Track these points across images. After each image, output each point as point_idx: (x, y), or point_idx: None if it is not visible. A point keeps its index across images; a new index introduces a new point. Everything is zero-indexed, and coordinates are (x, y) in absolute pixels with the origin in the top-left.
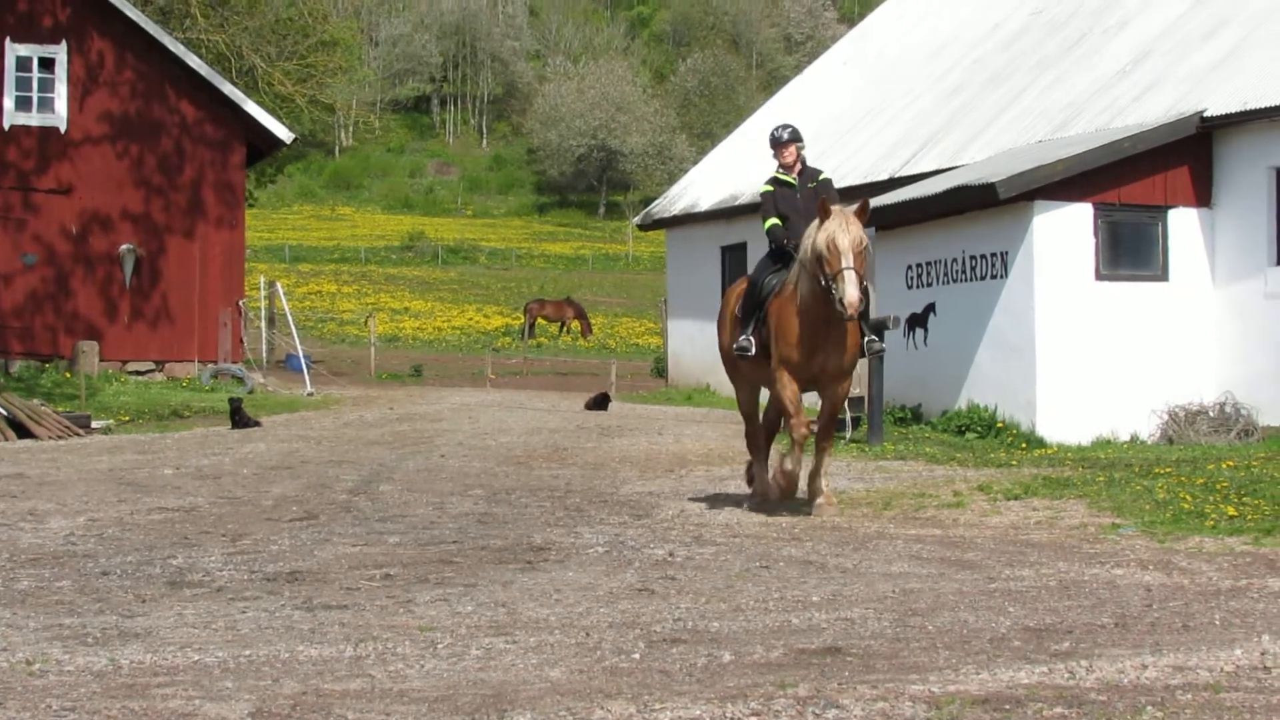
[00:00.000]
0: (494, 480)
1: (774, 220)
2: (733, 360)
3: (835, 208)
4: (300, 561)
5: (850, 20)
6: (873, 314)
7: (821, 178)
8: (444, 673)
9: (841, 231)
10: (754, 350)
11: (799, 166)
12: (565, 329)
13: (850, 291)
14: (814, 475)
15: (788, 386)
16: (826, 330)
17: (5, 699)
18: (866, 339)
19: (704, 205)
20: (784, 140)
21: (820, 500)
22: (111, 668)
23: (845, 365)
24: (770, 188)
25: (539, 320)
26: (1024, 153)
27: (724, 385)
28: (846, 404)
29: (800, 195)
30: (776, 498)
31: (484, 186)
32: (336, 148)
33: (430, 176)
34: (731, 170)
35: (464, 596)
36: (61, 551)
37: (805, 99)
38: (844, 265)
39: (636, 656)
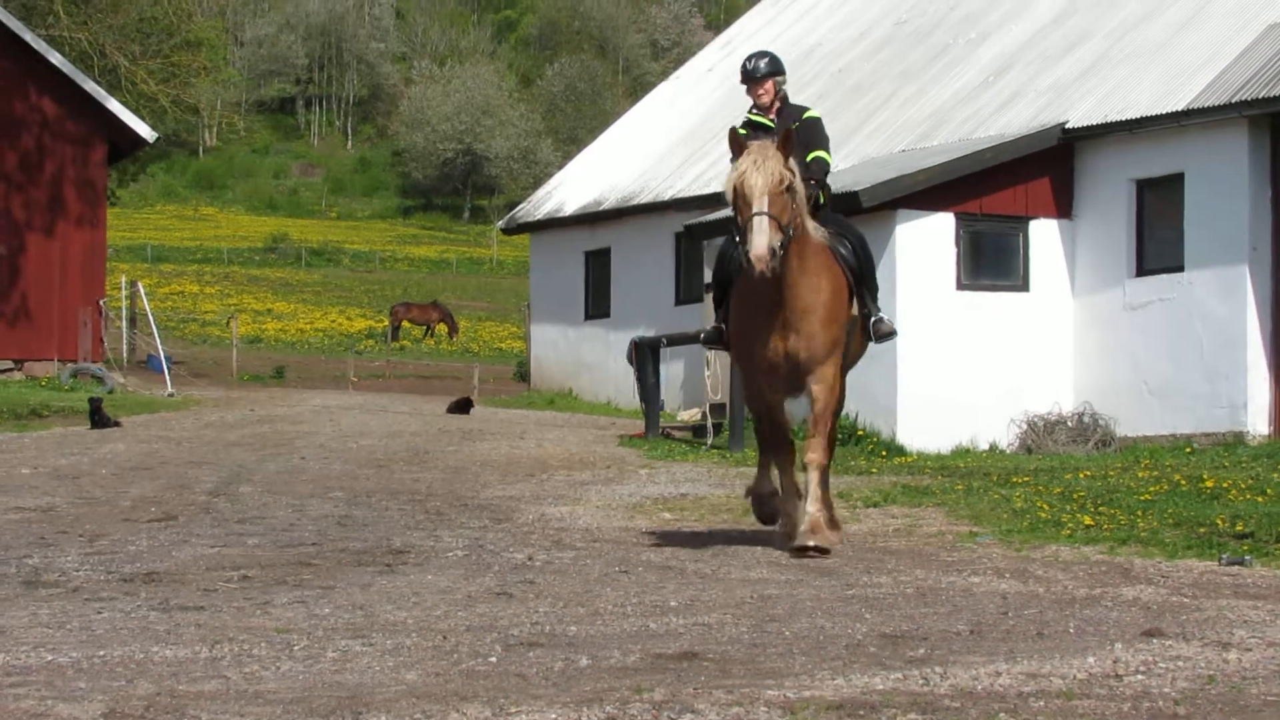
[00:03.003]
0: (354, 483)
1: None
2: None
3: (752, 142)
4: (158, 562)
5: (716, 27)
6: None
7: (807, 116)
8: (300, 674)
9: (754, 169)
10: (723, 341)
11: (778, 106)
12: (430, 332)
13: (756, 241)
14: (791, 498)
15: (757, 396)
16: (776, 306)
17: None
18: (874, 318)
19: (569, 210)
20: (758, 75)
21: (803, 528)
22: None
23: (813, 353)
24: (743, 132)
25: (404, 323)
26: (887, 162)
27: (586, 390)
28: (707, 410)
29: (798, 144)
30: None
31: (348, 189)
32: (200, 148)
33: (294, 178)
34: (597, 175)
35: (322, 599)
36: None
37: (671, 105)
38: (755, 210)
39: (493, 660)
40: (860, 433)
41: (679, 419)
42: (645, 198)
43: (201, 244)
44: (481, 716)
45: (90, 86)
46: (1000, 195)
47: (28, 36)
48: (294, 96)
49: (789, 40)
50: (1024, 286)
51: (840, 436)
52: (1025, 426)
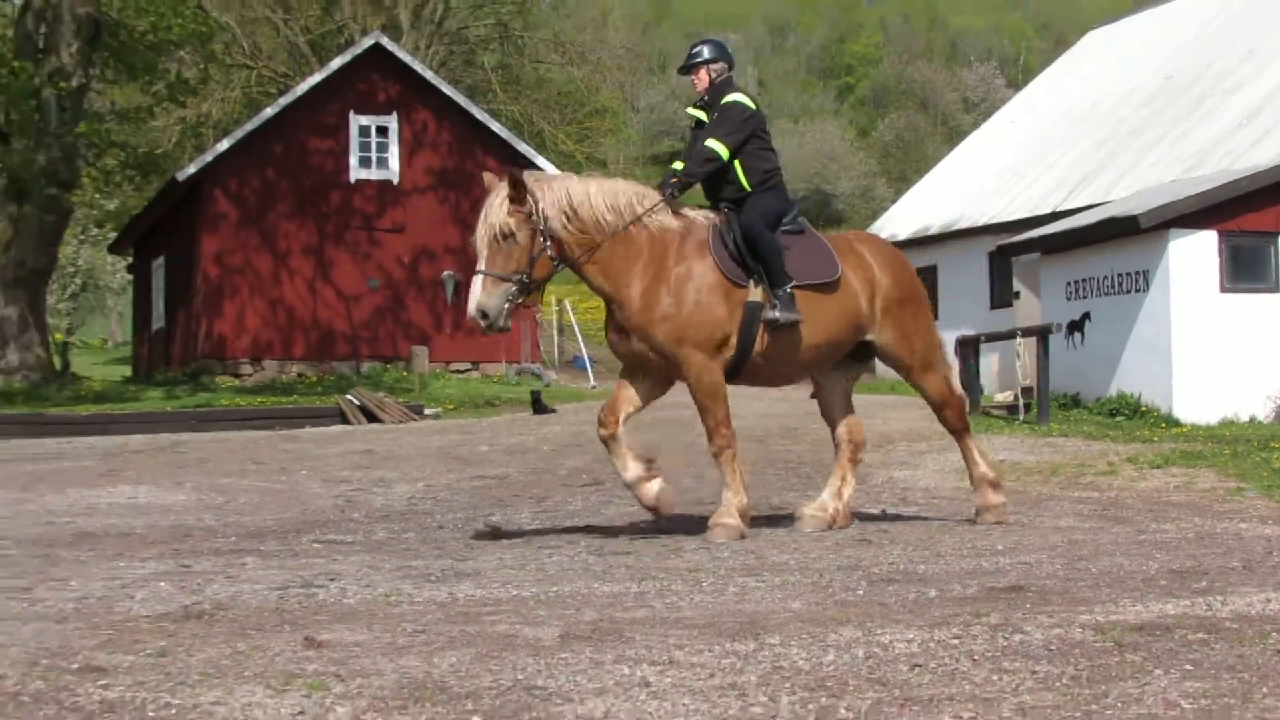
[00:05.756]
0: (756, 453)
1: (671, 168)
2: None
3: (496, 185)
4: (591, 518)
5: (1016, 86)
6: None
7: (723, 102)
8: (709, 604)
9: (481, 221)
10: None
11: (706, 94)
12: None
13: (469, 303)
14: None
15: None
16: (617, 309)
17: (372, 622)
18: (769, 310)
19: (902, 235)
20: (688, 64)
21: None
22: (450, 600)
23: (663, 355)
24: (690, 121)
25: None
26: (1160, 190)
27: None
28: (1019, 392)
29: (702, 133)
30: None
31: None
32: None
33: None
34: (923, 208)
35: (721, 545)
36: (406, 510)
37: (981, 150)
38: (477, 266)
39: (860, 592)
40: (1143, 409)
41: (995, 400)
42: (963, 224)
43: None
44: (854, 637)
45: (523, 147)
46: (1255, 215)
47: (474, 111)
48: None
49: (1078, 96)
50: (1275, 289)
51: (1127, 413)
52: (1279, 402)
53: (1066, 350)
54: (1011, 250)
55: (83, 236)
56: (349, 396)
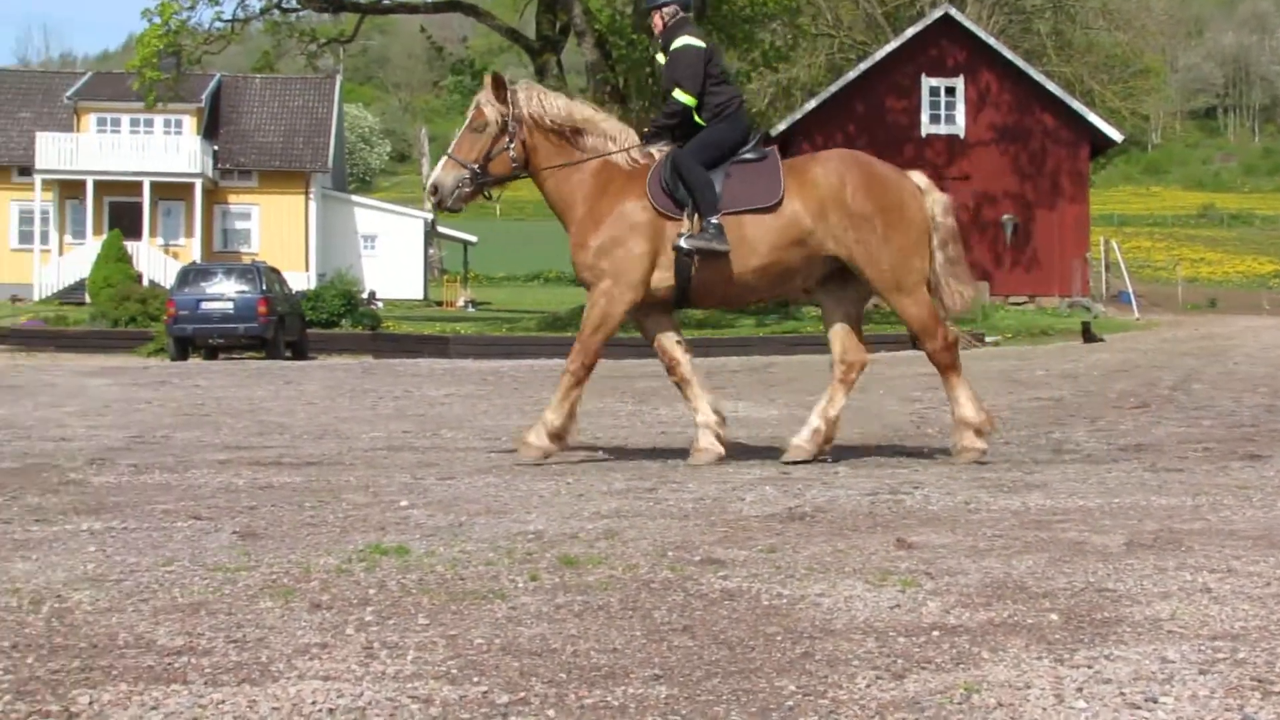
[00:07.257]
0: (1273, 382)
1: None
2: None
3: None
4: (1141, 437)
5: None
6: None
7: (674, 46)
8: (1260, 519)
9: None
10: None
11: (661, 38)
12: None
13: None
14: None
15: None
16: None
17: (954, 527)
18: (678, 238)
19: None
20: (643, 10)
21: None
22: (1023, 508)
23: (581, 275)
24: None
25: None
26: None
27: None
28: None
29: (664, 81)
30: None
31: (1257, 171)
32: (1149, 145)
33: (1217, 164)
34: None
35: (1265, 464)
36: None
37: None
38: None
39: None
40: None
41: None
42: None
43: (1151, 213)
44: None
45: (1076, 105)
46: None
47: (1032, 73)
48: (1215, 106)
49: None
50: None
51: None
52: None
53: None
54: None
55: None
56: None
